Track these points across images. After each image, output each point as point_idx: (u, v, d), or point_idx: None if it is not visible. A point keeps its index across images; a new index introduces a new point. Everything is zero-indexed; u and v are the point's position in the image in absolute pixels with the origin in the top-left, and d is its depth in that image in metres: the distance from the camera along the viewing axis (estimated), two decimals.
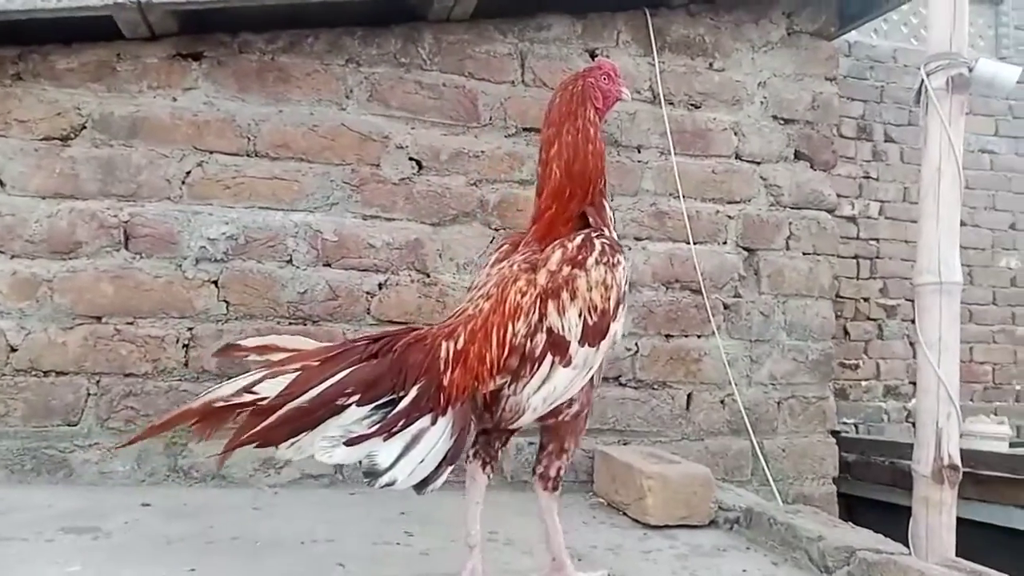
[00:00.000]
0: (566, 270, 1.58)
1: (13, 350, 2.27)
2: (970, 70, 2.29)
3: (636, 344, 2.77)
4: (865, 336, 6.23)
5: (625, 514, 2.35)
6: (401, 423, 1.44)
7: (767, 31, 2.98)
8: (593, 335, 1.56)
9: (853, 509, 4.40)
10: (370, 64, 2.59)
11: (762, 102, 2.97)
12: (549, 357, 1.54)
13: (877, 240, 6.41)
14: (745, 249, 2.92)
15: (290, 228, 2.48)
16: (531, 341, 1.54)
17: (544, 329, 1.54)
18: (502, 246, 1.78)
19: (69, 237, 2.32)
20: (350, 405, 1.42)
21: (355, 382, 1.43)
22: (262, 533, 1.95)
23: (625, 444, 2.71)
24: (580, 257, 1.60)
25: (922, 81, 2.32)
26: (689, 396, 2.82)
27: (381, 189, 2.57)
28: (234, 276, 2.43)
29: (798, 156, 3.00)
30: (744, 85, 2.95)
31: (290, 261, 2.48)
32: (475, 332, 1.56)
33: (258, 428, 1.38)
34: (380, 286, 2.54)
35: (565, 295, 1.56)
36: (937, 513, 2.28)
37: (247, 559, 1.76)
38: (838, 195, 6.84)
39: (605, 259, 1.60)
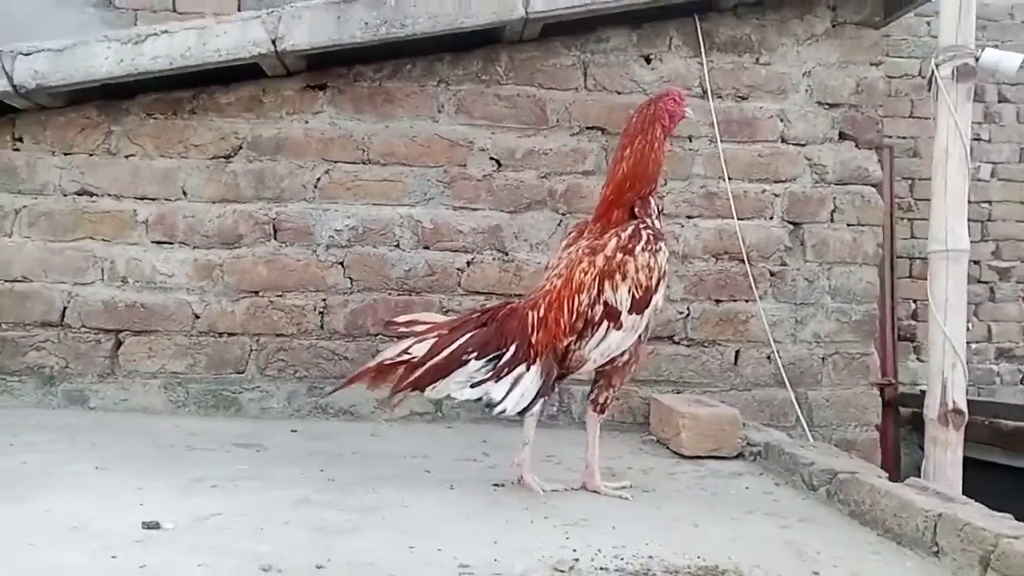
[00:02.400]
0: (619, 256, 2.12)
1: (197, 317, 3.04)
2: (976, 59, 2.56)
3: (688, 308, 3.21)
4: (976, 299, 6.23)
5: (667, 447, 2.84)
6: (506, 371, 2.06)
7: (812, 25, 3.29)
8: (639, 306, 2.09)
9: None
10: (457, 83, 3.16)
11: (807, 90, 3.29)
12: (605, 323, 2.09)
13: (989, 203, 6.34)
14: (791, 223, 3.28)
15: (397, 219, 3.12)
16: (592, 310, 2.09)
17: (602, 302, 2.09)
18: (570, 233, 2.34)
19: (233, 231, 3.06)
20: (470, 360, 2.05)
21: (473, 344, 2.06)
22: (375, 450, 2.61)
23: (678, 393, 3.17)
24: (630, 245, 2.13)
25: (932, 71, 2.61)
26: (737, 352, 3.24)
27: (467, 185, 3.15)
28: (355, 258, 3.10)
29: (843, 137, 3.31)
30: (789, 76, 3.28)
31: (398, 245, 3.12)
32: (551, 304, 2.14)
33: (412, 377, 2.03)
34: (468, 264, 3.14)
35: (618, 276, 2.10)
36: (943, 452, 2.61)
37: (361, 465, 2.41)
38: None
39: (649, 247, 2.13)
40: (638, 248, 2.12)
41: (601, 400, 2.20)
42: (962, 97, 2.55)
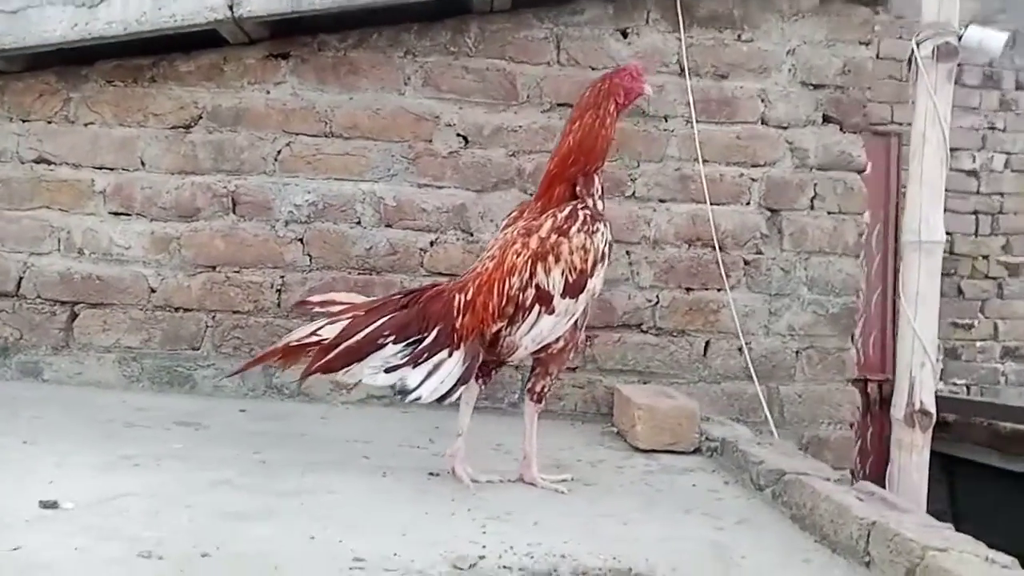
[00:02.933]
0: (553, 237, 2.03)
1: (153, 291, 2.99)
2: (959, 39, 2.41)
3: (657, 296, 3.11)
4: (982, 295, 6.04)
5: (625, 440, 2.75)
6: (425, 355, 1.96)
7: (798, 0, 3.14)
8: (573, 290, 2.00)
9: (951, 470, 4.48)
10: (424, 54, 3.06)
11: (791, 69, 3.15)
12: (537, 307, 2.00)
13: (1001, 195, 6.13)
14: (768, 209, 3.15)
15: (359, 196, 3.03)
16: (523, 294, 2.01)
17: (534, 285, 2.00)
18: (511, 212, 2.23)
19: (191, 204, 3.00)
20: (387, 343, 1.96)
21: (391, 326, 1.98)
22: (320, 433, 2.55)
23: (645, 384, 3.08)
24: (566, 226, 2.04)
25: (911, 51, 2.47)
26: (707, 344, 3.13)
27: (433, 162, 3.06)
28: (315, 235, 3.03)
29: (827, 120, 3.16)
30: (772, 54, 3.14)
31: (359, 223, 3.04)
32: (481, 286, 2.05)
33: (322, 360, 1.95)
34: (431, 244, 3.05)
35: (551, 258, 2.00)
36: (908, 455, 2.50)
37: (300, 448, 2.35)
38: (957, 148, 6.71)
39: (586, 227, 2.03)
40: (573, 229, 2.03)
41: (538, 389, 2.12)
42: (942, 78, 2.40)
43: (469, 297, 2.03)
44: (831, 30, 3.15)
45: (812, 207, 3.16)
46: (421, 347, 1.96)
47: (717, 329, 3.13)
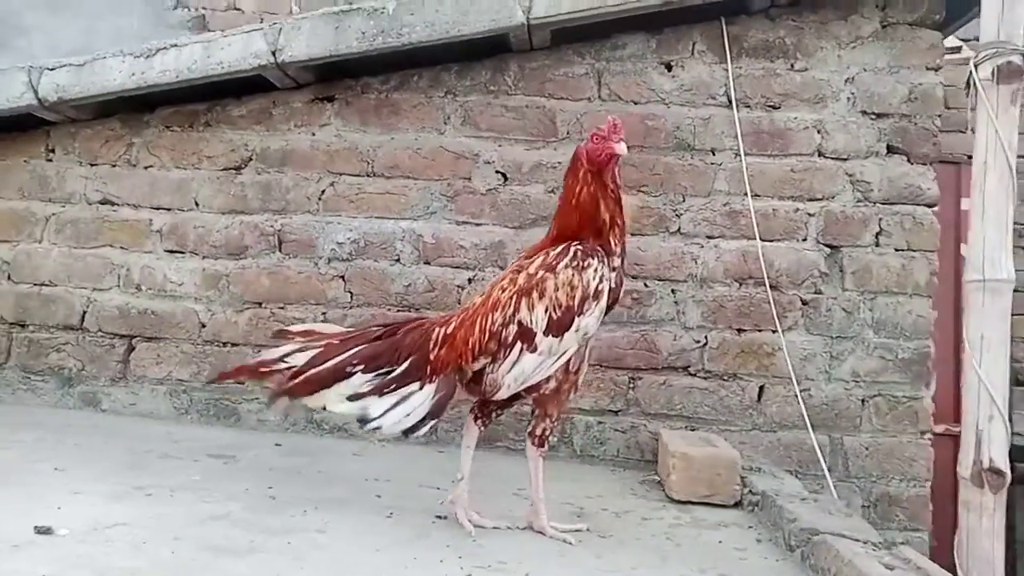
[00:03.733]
0: (540, 273, 1.97)
1: (203, 326, 3.08)
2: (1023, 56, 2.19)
3: (705, 337, 2.94)
4: None
5: (663, 490, 2.58)
6: (393, 386, 1.94)
7: (857, 26, 2.96)
8: (557, 328, 1.91)
9: None
10: (464, 94, 3.06)
11: (849, 98, 2.96)
12: (519, 344, 1.93)
13: None
14: (827, 246, 2.94)
15: (399, 233, 3.05)
16: (505, 330, 1.94)
17: (516, 321, 1.93)
18: (521, 256, 2.18)
19: (240, 242, 3.09)
20: (356, 372, 1.95)
21: (361, 356, 1.97)
22: (343, 470, 2.53)
23: (693, 430, 2.91)
24: (554, 262, 1.98)
25: (970, 73, 2.26)
26: (761, 389, 2.93)
27: (471, 199, 3.04)
28: (356, 272, 3.05)
29: (891, 150, 2.94)
30: (829, 83, 2.96)
31: (398, 260, 3.04)
32: (464, 321, 2.01)
33: (290, 385, 1.96)
34: (469, 280, 3.02)
35: (535, 294, 1.94)
36: (978, 518, 2.23)
37: (315, 485, 2.33)
38: None
39: (575, 263, 1.95)
40: (561, 265, 1.94)
41: (538, 432, 2.02)
42: (1005, 101, 2.18)
43: (449, 331, 1.99)
44: (895, 56, 2.94)
45: (877, 243, 2.93)
46: (389, 378, 1.92)
47: (772, 373, 2.92)
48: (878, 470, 2.88)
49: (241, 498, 2.12)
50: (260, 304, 3.07)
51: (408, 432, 1.90)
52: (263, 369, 2.00)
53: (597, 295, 1.92)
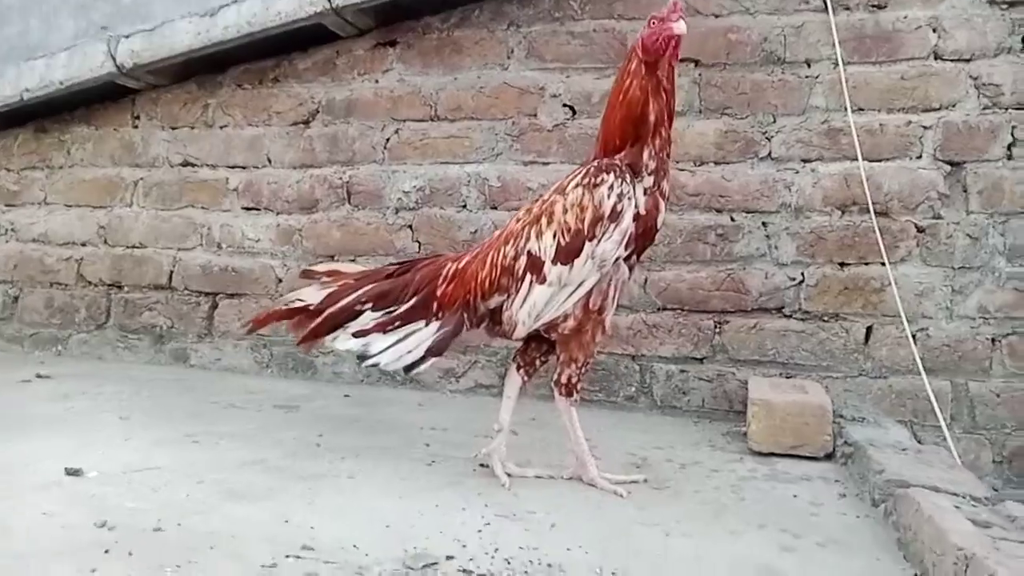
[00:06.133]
0: (552, 197, 1.78)
1: (280, 281, 3.10)
2: None
3: (802, 274, 2.61)
4: None
5: (746, 441, 2.32)
6: (397, 323, 1.84)
7: None
8: (566, 255, 1.73)
9: None
10: (528, 24, 2.86)
11: None
12: (528, 276, 1.76)
13: None
14: (947, 163, 2.52)
15: (464, 178, 2.91)
16: (517, 262, 1.78)
17: (525, 251, 1.76)
18: None
19: (311, 196, 3.07)
20: (365, 310, 1.86)
21: (370, 295, 1.88)
22: (403, 420, 2.45)
23: (788, 378, 2.60)
24: (565, 183, 1.78)
25: None
26: (868, 329, 2.57)
27: (537, 137, 2.85)
28: (423, 221, 2.95)
29: None
30: None
31: (464, 206, 2.91)
32: (477, 255, 1.87)
33: (310, 327, 1.90)
34: None
35: (544, 220, 1.77)
36: None
37: (367, 433, 2.26)
38: None
39: (587, 180, 1.75)
40: (571, 184, 1.74)
41: (563, 379, 1.82)
42: None
43: (461, 266, 1.85)
44: None
45: (1010, 156, 2.47)
46: (394, 314, 1.82)
47: (881, 312, 2.56)
48: (1013, 420, 2.46)
49: (286, 445, 2.08)
50: (332, 257, 3.03)
51: (408, 369, 1.80)
52: (287, 311, 1.94)
53: (615, 217, 1.69)
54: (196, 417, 2.36)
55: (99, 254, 3.31)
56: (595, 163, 1.77)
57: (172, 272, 3.22)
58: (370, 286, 1.88)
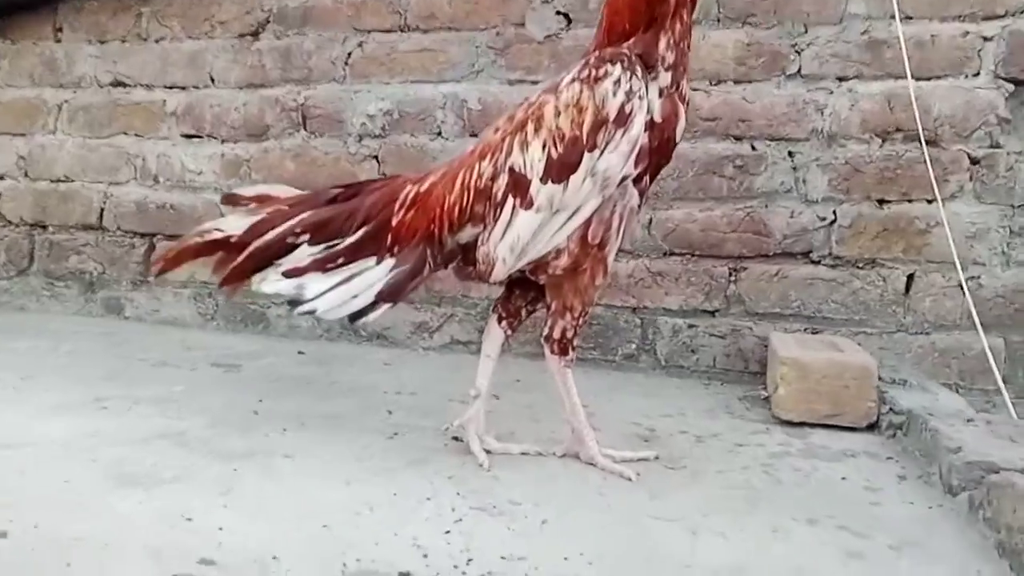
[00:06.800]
0: (541, 98, 1.39)
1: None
2: None
3: (834, 212, 2.23)
4: None
5: (769, 408, 1.96)
6: (340, 260, 1.45)
7: None
8: (559, 170, 1.33)
9: None
10: None
11: None
12: (510, 200, 1.37)
13: None
14: (1010, 81, 2.12)
15: (439, 100, 2.49)
16: (495, 183, 1.39)
17: (507, 168, 1.37)
18: None
19: (260, 121, 2.64)
20: (301, 244, 1.47)
21: (308, 224, 1.49)
22: (364, 382, 2.07)
23: (814, 333, 2.24)
24: (558, 80, 1.39)
25: None
26: (910, 278, 2.20)
27: (525, 50, 2.42)
28: (391, 151, 2.53)
29: None
30: None
31: (439, 133, 2.49)
32: (444, 176, 1.48)
33: (233, 264, 1.50)
34: None
35: (531, 127, 1.37)
36: None
37: (319, 397, 1.88)
38: None
39: (586, 74, 1.35)
40: (565, 81, 1.34)
41: (556, 334, 1.44)
42: None
43: (423, 189, 1.45)
44: None
45: None
46: (337, 249, 1.44)
47: (926, 257, 2.19)
48: None
49: (213, 412, 1.70)
50: None
51: (354, 317, 1.42)
52: (205, 245, 1.54)
53: (622, 121, 1.30)
54: (114, 378, 1.97)
55: (19, 189, 2.87)
56: (596, 53, 1.37)
57: (103, 210, 2.79)
58: (307, 213, 1.48)
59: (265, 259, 1.47)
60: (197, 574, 0.97)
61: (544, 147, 1.33)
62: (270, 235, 1.46)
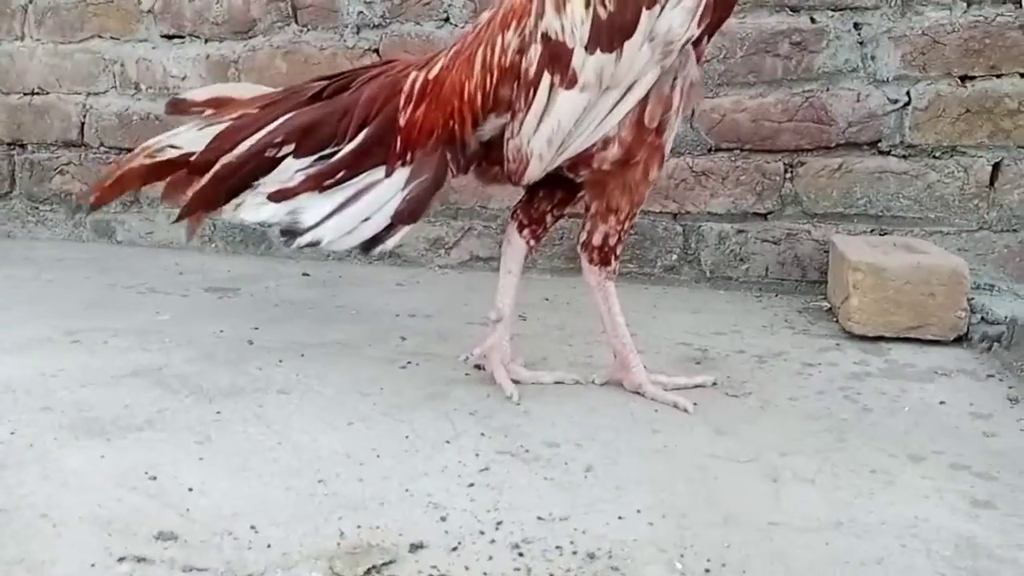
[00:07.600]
0: None
1: None
2: None
3: (908, 93, 1.91)
4: None
5: (837, 320, 1.71)
6: (341, 175, 1.19)
7: None
8: (609, 33, 1.04)
9: None
10: None
11: None
12: (547, 76, 1.09)
13: None
14: None
15: None
16: (524, 57, 1.10)
17: (539, 37, 1.08)
18: None
19: (245, 15, 2.34)
20: (286, 157, 1.20)
21: (290, 130, 1.21)
22: (373, 304, 1.84)
23: (882, 235, 1.96)
24: None
25: None
26: (995, 167, 1.90)
27: None
28: (393, 42, 2.23)
29: None
30: None
31: (447, 19, 2.19)
32: (458, 55, 1.19)
33: (195, 191, 1.24)
34: None
35: None
36: None
37: (323, 324, 1.66)
38: None
39: None
40: None
41: (596, 240, 1.19)
42: None
43: (433, 75, 1.16)
44: None
45: None
46: (333, 161, 1.17)
47: (1015, 142, 1.88)
48: None
49: (202, 343, 1.48)
50: None
51: (368, 246, 1.17)
52: (154, 167, 1.27)
53: None
54: (94, 307, 1.76)
55: None
56: None
57: (83, 124, 2.53)
58: (287, 116, 1.20)
59: (238, 180, 1.20)
60: (151, 554, 0.76)
61: (589, 5, 1.04)
62: (241, 148, 1.19)
